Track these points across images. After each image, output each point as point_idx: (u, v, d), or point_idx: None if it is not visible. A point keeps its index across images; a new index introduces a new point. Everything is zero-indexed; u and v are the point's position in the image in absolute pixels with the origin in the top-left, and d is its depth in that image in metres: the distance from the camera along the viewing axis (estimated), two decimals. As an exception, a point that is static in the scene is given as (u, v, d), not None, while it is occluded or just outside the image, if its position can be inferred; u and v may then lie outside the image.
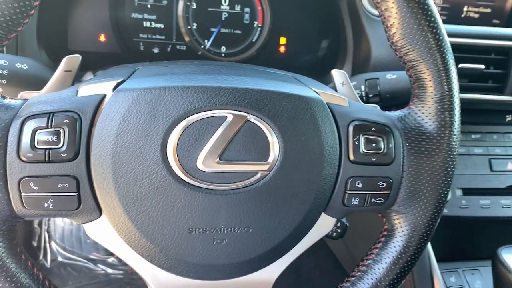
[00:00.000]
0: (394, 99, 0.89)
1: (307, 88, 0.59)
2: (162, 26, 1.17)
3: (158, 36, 1.18)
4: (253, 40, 1.21)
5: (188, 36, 1.18)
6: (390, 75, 0.90)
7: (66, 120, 0.51)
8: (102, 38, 1.15)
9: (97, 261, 1.82)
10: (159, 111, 0.51)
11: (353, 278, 0.64)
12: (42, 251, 1.82)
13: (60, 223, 1.89)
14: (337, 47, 1.11)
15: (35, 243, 1.83)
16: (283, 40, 1.23)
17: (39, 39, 0.97)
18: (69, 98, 0.53)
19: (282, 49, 1.23)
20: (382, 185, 0.59)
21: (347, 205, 0.59)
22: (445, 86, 0.59)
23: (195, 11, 1.18)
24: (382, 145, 0.58)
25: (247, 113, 0.53)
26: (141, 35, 1.17)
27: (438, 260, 1.05)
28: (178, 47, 1.19)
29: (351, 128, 0.58)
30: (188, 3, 1.17)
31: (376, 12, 1.05)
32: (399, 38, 0.57)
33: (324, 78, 1.14)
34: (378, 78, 0.90)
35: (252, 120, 0.53)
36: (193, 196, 0.53)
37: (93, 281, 1.76)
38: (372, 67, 0.98)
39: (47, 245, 1.86)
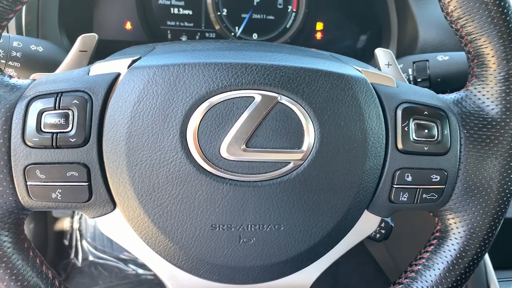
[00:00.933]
0: (447, 84, 0.79)
1: (348, 66, 0.53)
2: (190, 12, 1.11)
3: (186, 23, 1.12)
4: (287, 26, 1.13)
5: (218, 23, 1.11)
6: (442, 57, 0.80)
7: (76, 101, 0.46)
8: (128, 26, 1.10)
9: (128, 261, 1.79)
10: (178, 91, 0.46)
11: (400, 286, 0.56)
12: (73, 250, 1.81)
13: (92, 222, 1.88)
14: (380, 29, 1.02)
15: (66, 242, 1.82)
16: (319, 26, 1.15)
17: (60, 25, 0.93)
18: (79, 77, 0.49)
19: (318, 35, 1.15)
20: (436, 178, 0.52)
21: (394, 202, 0.53)
22: (511, 63, 0.51)
23: None
24: (435, 132, 0.51)
25: (277, 93, 0.47)
26: (168, 23, 1.12)
27: (495, 268, 0.94)
28: (207, 34, 1.13)
29: (399, 112, 0.51)
30: (219, -11, 1.11)
31: (423, -11, 0.95)
32: (456, 6, 0.50)
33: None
34: (427, 60, 0.80)
35: (284, 101, 0.48)
36: (217, 188, 0.48)
37: (124, 281, 1.73)
38: (420, 50, 0.90)
39: (79, 244, 1.84)
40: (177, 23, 1.12)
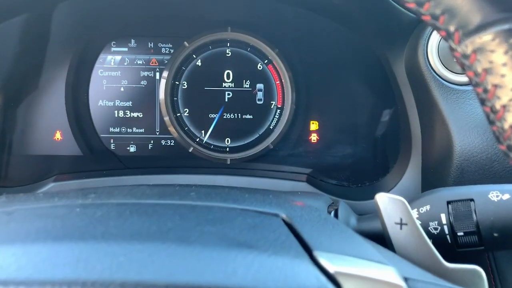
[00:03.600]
0: (510, 241, 0.46)
1: (304, 263, 0.30)
2: (140, 115, 0.85)
3: (135, 130, 0.86)
4: (271, 127, 0.85)
5: (177, 128, 0.83)
6: (497, 193, 0.47)
7: None
8: (58, 136, 0.83)
9: None
10: None
11: None
12: None
13: None
14: (395, 134, 0.79)
15: None
16: (314, 125, 0.86)
17: None
18: None
19: (313, 138, 0.86)
20: None
21: None
22: None
23: (187, 92, 0.85)
24: None
25: None
26: (111, 129, 0.86)
27: None
28: (163, 142, 0.86)
29: None
30: (176, 82, 0.84)
31: (455, 78, 0.64)
32: None
33: (378, 183, 0.73)
34: (472, 200, 0.48)
35: None
36: None
37: None
38: (457, 172, 0.61)
39: None
40: (123, 130, 0.86)
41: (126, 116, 0.85)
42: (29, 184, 0.77)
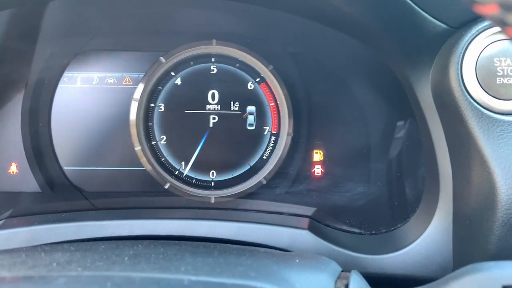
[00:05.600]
0: None
1: None
2: (110, 143, 0.74)
3: (104, 161, 0.73)
4: (264, 157, 0.72)
5: (150, 159, 0.70)
6: None
7: None
8: (13, 168, 0.71)
9: None
10: None
11: None
12: None
13: None
14: (417, 171, 0.64)
15: None
16: (318, 156, 0.72)
17: None
18: None
19: (317, 170, 0.72)
20: None
21: None
22: None
23: (164, 116, 0.74)
24: None
25: None
26: (76, 161, 0.76)
27: None
28: (136, 176, 0.72)
29: None
30: (151, 104, 0.71)
31: (500, 105, 0.49)
32: None
33: (397, 232, 0.59)
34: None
35: None
36: None
37: None
38: (503, 229, 0.47)
39: None
40: (90, 161, 0.73)
41: (94, 145, 0.72)
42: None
